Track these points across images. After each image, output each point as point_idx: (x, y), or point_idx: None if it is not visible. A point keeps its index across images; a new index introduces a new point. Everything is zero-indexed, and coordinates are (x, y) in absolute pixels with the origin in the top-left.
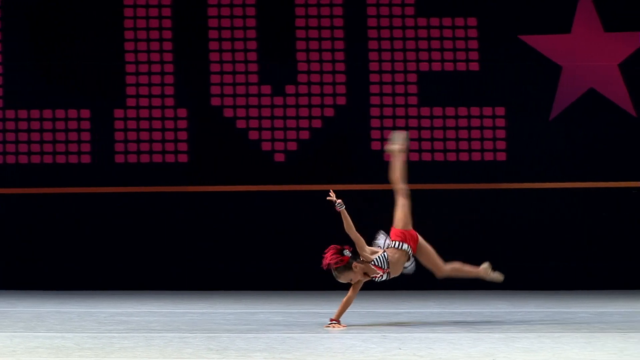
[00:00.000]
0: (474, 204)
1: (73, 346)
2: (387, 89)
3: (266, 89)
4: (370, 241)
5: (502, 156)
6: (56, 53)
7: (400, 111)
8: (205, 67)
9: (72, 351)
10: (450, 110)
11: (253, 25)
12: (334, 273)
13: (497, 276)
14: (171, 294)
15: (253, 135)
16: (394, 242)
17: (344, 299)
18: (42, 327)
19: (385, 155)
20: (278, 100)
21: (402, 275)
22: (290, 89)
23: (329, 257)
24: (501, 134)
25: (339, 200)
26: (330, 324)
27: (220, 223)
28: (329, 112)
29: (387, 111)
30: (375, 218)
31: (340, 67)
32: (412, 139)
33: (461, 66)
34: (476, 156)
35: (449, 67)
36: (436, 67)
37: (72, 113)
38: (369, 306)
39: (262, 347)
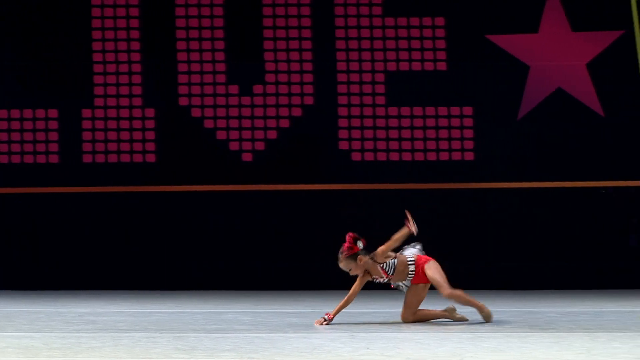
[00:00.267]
0: (442, 204)
1: (41, 346)
2: (355, 88)
3: (234, 88)
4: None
5: (469, 156)
6: (24, 53)
7: (368, 111)
8: (173, 67)
9: (40, 351)
10: (418, 110)
11: (221, 25)
12: (339, 256)
13: (462, 317)
14: (139, 293)
15: (221, 135)
16: (412, 258)
17: (345, 297)
18: (10, 327)
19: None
20: (246, 100)
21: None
22: (258, 88)
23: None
24: (469, 133)
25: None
26: (322, 318)
27: (187, 223)
28: (297, 112)
29: (355, 111)
30: (342, 217)
31: (308, 67)
32: (379, 139)
33: (429, 66)
34: (444, 156)
35: (416, 66)
36: (404, 66)
37: (40, 113)
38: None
39: (230, 347)
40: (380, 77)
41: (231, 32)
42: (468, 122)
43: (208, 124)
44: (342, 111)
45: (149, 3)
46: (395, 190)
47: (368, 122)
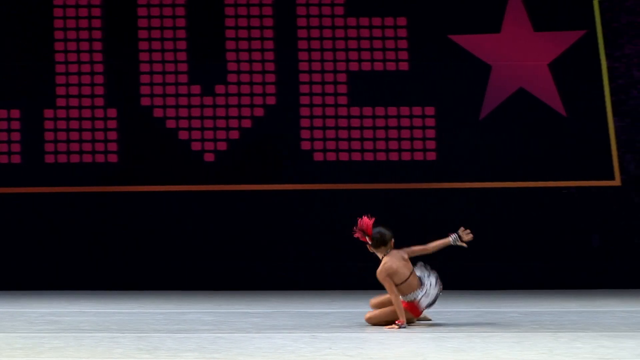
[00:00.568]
0: (404, 204)
1: (4, 346)
2: (317, 88)
3: (196, 88)
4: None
5: (432, 156)
6: None
7: (330, 111)
8: (135, 67)
9: (2, 351)
10: (380, 110)
11: (183, 25)
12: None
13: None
14: (101, 293)
15: (183, 135)
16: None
17: (393, 302)
18: None
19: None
20: (208, 100)
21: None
22: (220, 88)
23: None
24: (431, 133)
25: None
26: (395, 325)
27: (149, 223)
28: (259, 112)
29: (317, 111)
30: (304, 217)
31: (270, 67)
32: (341, 139)
33: (391, 66)
34: (406, 156)
35: (378, 66)
36: (366, 66)
37: (2, 113)
38: (299, 306)
39: (193, 347)
40: (342, 77)
41: (193, 32)
42: (430, 122)
43: (170, 124)
44: (304, 111)
45: (111, 3)
46: (357, 190)
47: (330, 122)
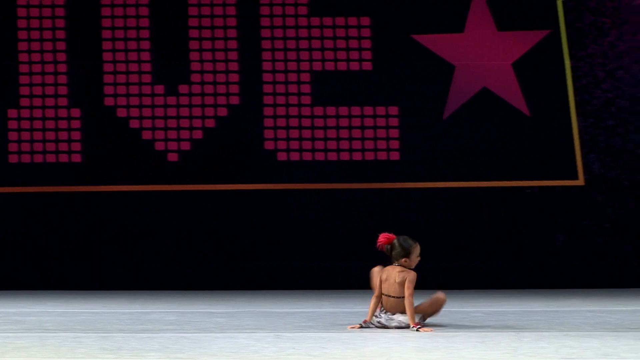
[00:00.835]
0: (368, 204)
1: None
2: (281, 88)
3: (159, 88)
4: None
5: (395, 155)
6: None
7: (293, 111)
8: (99, 67)
9: None
10: (343, 110)
11: (146, 25)
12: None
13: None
14: (65, 293)
15: (146, 135)
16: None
17: (413, 304)
18: None
19: (278, 156)
20: (171, 100)
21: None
22: (183, 88)
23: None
24: (394, 133)
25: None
26: (418, 329)
27: (113, 223)
28: (223, 112)
29: (281, 111)
30: (268, 218)
31: (234, 66)
32: (305, 139)
33: (354, 66)
34: (369, 155)
35: (342, 66)
36: (329, 66)
37: None
38: (262, 306)
39: (156, 347)
40: (305, 77)
41: (157, 32)
42: (394, 121)
43: (134, 124)
44: (268, 111)
45: (75, 3)
46: (321, 190)
47: (294, 122)
